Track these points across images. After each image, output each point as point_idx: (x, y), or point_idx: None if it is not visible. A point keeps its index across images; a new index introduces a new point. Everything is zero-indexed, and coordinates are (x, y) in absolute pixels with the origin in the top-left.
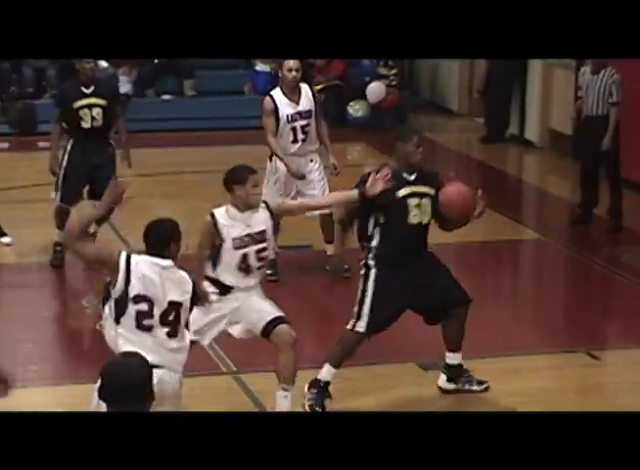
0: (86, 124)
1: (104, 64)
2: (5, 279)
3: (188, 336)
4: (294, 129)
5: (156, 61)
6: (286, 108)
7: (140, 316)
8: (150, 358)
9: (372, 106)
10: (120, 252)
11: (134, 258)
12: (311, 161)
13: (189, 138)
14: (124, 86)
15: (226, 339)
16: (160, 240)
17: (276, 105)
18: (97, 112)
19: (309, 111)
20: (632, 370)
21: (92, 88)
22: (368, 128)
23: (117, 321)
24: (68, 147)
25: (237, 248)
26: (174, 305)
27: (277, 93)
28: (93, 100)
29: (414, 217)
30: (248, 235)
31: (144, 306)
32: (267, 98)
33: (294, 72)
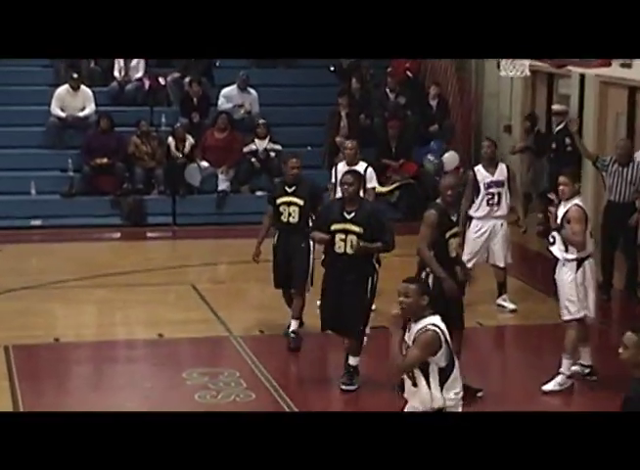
0: (284, 219)
1: None
2: (114, 353)
3: None
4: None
5: (253, 160)
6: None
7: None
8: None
9: None
10: (432, 333)
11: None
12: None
13: None
14: (223, 184)
15: None
16: None
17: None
18: (293, 209)
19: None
20: None
21: (294, 188)
22: None
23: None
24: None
25: None
26: None
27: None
28: (292, 199)
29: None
30: None
31: None
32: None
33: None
